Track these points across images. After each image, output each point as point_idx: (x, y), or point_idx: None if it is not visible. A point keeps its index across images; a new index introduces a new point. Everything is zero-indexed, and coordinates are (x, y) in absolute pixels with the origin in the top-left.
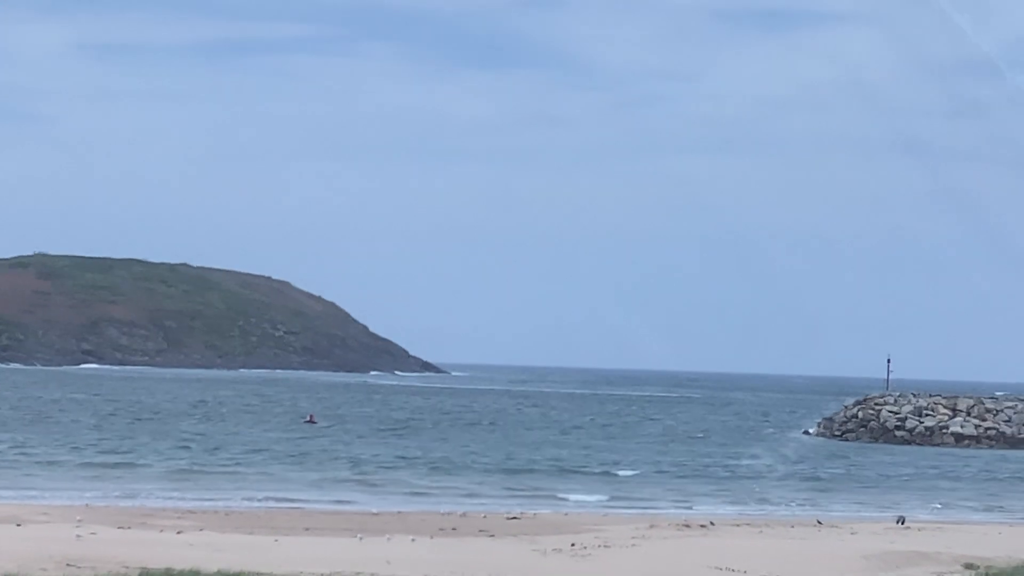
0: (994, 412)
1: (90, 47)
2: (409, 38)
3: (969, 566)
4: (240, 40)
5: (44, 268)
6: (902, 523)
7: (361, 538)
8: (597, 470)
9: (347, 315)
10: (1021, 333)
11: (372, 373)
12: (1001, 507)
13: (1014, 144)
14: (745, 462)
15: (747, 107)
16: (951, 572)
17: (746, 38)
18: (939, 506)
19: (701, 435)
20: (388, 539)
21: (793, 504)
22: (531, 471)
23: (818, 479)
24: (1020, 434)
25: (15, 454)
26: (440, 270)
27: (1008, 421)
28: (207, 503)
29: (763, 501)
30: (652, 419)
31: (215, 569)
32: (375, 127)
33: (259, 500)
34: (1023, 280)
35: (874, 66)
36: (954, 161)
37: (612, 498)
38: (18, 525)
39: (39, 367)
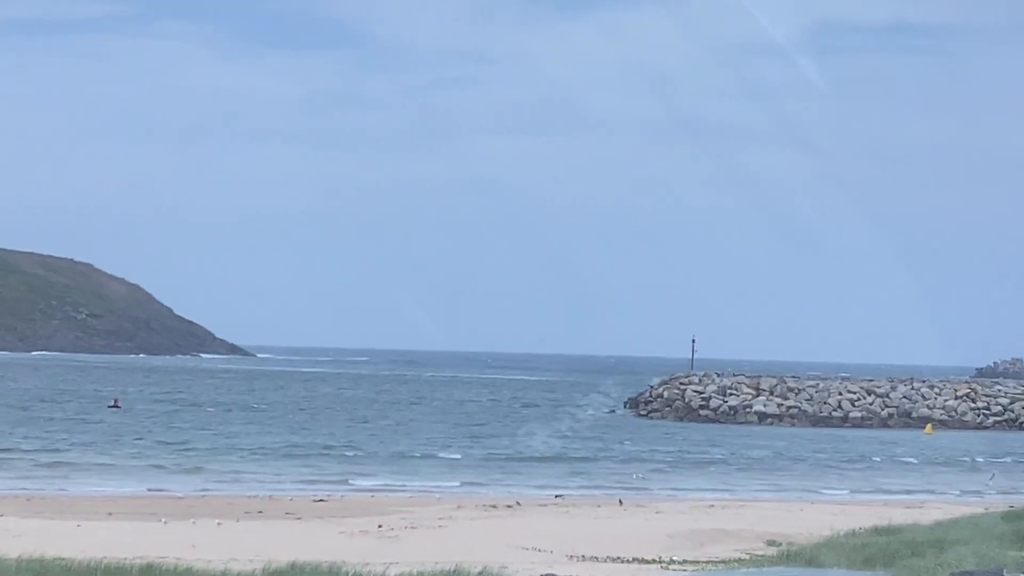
0: (796, 391)
1: None
2: (210, 18)
3: (772, 543)
4: (34, 20)
5: None
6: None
7: (166, 522)
8: (418, 453)
9: (151, 297)
10: (813, 312)
11: (178, 356)
12: (804, 486)
13: (799, 126)
14: (557, 437)
15: (549, 89)
16: (754, 549)
17: (549, 20)
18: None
19: (519, 415)
20: (193, 523)
21: (603, 483)
22: (342, 454)
23: (616, 458)
24: (821, 412)
25: None
26: (247, 252)
27: (810, 400)
28: (8, 489)
29: (580, 476)
30: (473, 400)
31: (16, 555)
32: (179, 108)
33: (61, 485)
34: (808, 260)
35: (667, 49)
36: (741, 142)
37: (463, 484)
38: None
39: None
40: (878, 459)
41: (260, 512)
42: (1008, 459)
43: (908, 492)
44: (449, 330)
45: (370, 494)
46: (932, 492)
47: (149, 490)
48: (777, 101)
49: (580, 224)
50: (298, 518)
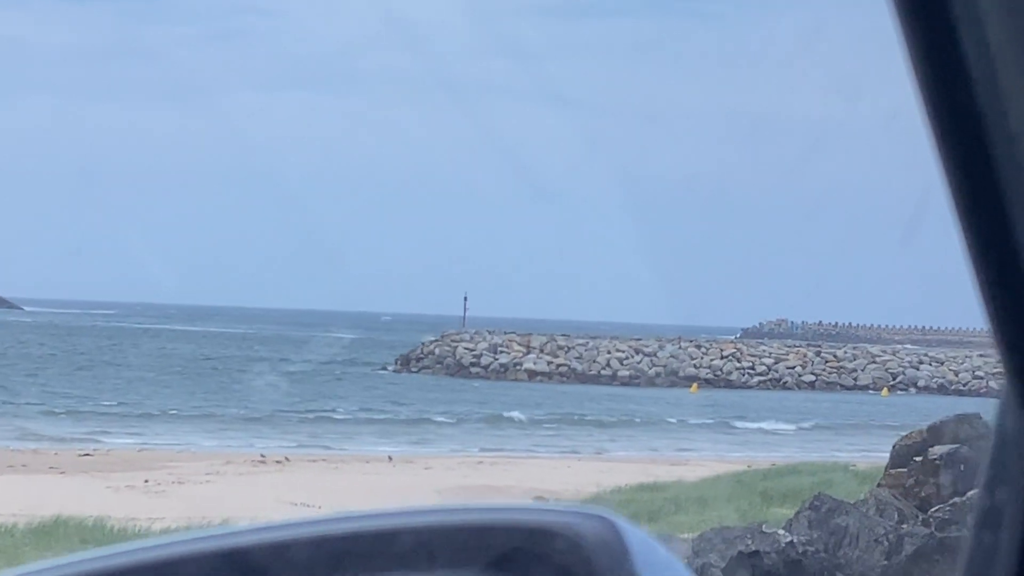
0: (566, 349)
1: None
2: None
3: (539, 498)
4: None
5: None
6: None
7: None
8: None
9: None
10: (583, 271)
11: None
12: (571, 445)
13: (552, 81)
14: (329, 395)
15: (325, 45)
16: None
17: None
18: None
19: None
20: None
21: (370, 437)
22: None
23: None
24: (591, 371)
25: None
26: (14, 203)
27: (579, 358)
28: None
29: (342, 435)
30: (261, 359)
31: None
32: None
33: None
34: (567, 220)
35: (425, 7)
36: (500, 101)
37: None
38: None
39: None
40: (642, 417)
41: (24, 466)
42: (769, 420)
43: (673, 450)
44: (202, 285)
45: (136, 449)
46: (696, 450)
47: None
48: (538, 61)
49: (338, 183)
50: (63, 472)
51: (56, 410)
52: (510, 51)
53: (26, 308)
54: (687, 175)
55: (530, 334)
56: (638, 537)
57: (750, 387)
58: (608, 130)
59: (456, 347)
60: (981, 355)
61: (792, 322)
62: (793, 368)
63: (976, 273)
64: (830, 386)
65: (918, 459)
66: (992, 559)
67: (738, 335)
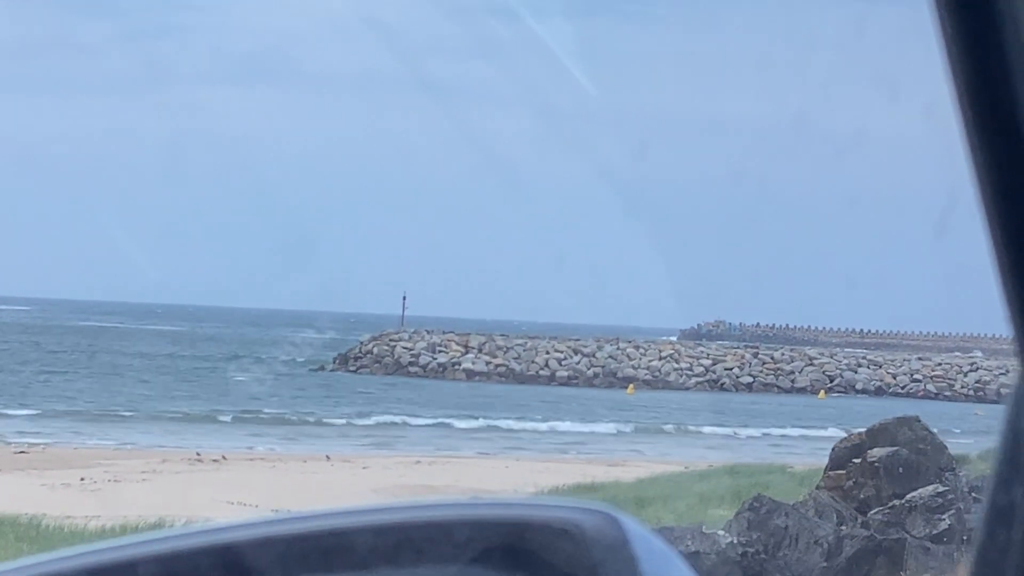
0: (504, 349)
1: None
2: None
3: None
4: None
5: None
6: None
7: None
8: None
9: None
10: (533, 271)
11: None
12: (509, 445)
13: (527, 85)
14: (264, 393)
15: (266, 40)
16: None
17: None
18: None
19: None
20: None
21: (312, 434)
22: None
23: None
24: (529, 371)
25: None
26: None
27: (517, 358)
28: None
29: (277, 436)
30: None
31: None
32: None
33: None
34: (531, 219)
35: (394, 4)
36: (472, 102)
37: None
38: None
39: None
40: (583, 415)
41: None
42: (697, 424)
43: (609, 451)
44: (163, 281)
45: (72, 447)
46: (634, 451)
47: None
48: (507, 60)
49: (300, 177)
50: None
51: None
52: (486, 51)
53: None
54: (636, 178)
55: (469, 334)
56: (638, 532)
57: (688, 388)
58: (579, 130)
59: (395, 346)
60: (920, 358)
61: (730, 323)
62: (731, 370)
63: (1000, 272)
64: (767, 387)
65: (857, 461)
66: (1005, 555)
67: (676, 336)
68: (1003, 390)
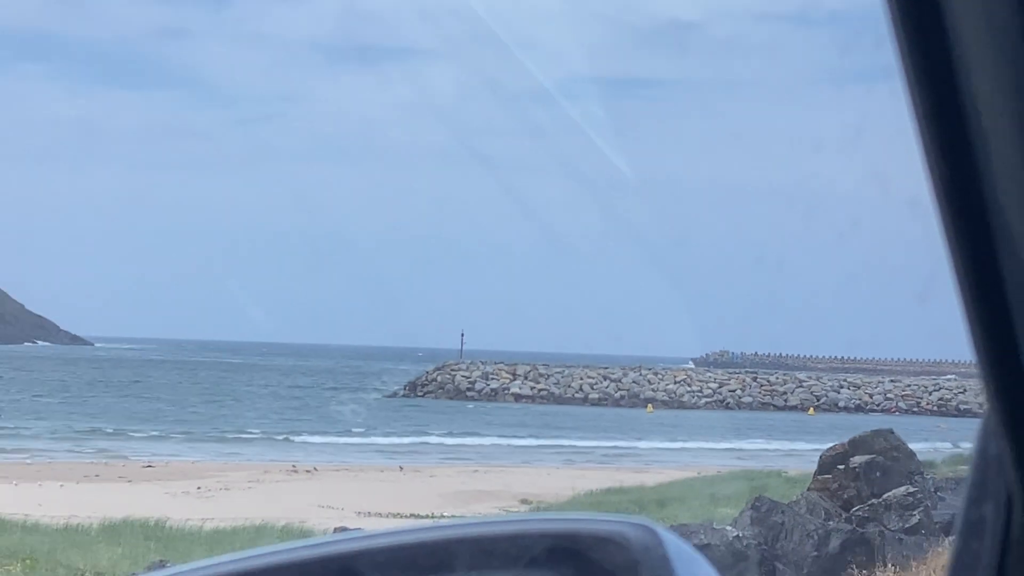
0: (545, 376)
1: None
2: (60, 60)
3: (524, 501)
4: None
5: None
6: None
7: (15, 483)
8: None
9: (5, 294)
10: (572, 312)
11: (25, 344)
12: (552, 456)
13: (566, 160)
14: (350, 415)
15: (349, 124)
16: (509, 506)
17: (345, 70)
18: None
19: (324, 396)
20: (40, 485)
21: (386, 448)
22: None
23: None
24: (566, 394)
25: None
26: (91, 257)
27: (557, 384)
28: None
29: (359, 449)
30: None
31: None
32: (35, 135)
33: None
34: (567, 266)
35: (453, 92)
36: (519, 172)
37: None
38: None
39: None
40: (611, 431)
41: (97, 476)
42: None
43: (634, 459)
44: (282, 323)
45: (191, 461)
46: (661, 457)
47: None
48: (548, 139)
49: (378, 235)
50: (129, 481)
51: (107, 428)
52: (528, 130)
53: (96, 344)
54: (674, 238)
55: (516, 363)
56: (676, 543)
57: (698, 408)
58: (605, 195)
59: (455, 375)
60: (892, 380)
61: (733, 353)
62: (734, 391)
63: (963, 305)
64: (764, 406)
65: (841, 467)
66: (977, 561)
67: (689, 363)
68: (961, 406)
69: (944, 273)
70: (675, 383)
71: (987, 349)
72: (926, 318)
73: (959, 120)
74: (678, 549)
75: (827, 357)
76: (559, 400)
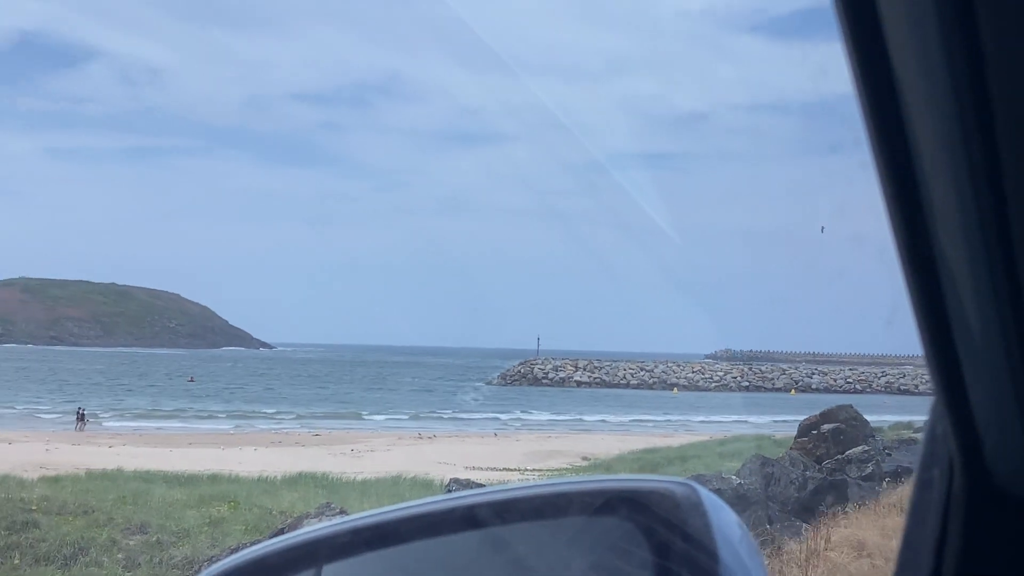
0: (599, 368)
1: None
2: (252, 147)
3: (585, 458)
4: (141, 148)
5: (25, 286)
6: (419, 435)
7: (223, 448)
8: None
9: (214, 313)
10: (618, 321)
11: (224, 348)
12: (600, 424)
13: (615, 213)
14: (459, 398)
15: (461, 189)
16: (575, 462)
17: (454, 150)
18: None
19: (445, 387)
20: (240, 449)
21: (485, 421)
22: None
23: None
24: (614, 380)
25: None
26: (275, 285)
27: (607, 373)
28: (127, 429)
29: (466, 422)
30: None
31: (132, 468)
32: (232, 202)
33: (159, 425)
34: (615, 288)
35: (532, 164)
36: (581, 223)
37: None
38: (9, 443)
39: (28, 345)
40: (646, 407)
41: (280, 442)
42: (718, 414)
43: (662, 428)
44: (424, 330)
45: (345, 430)
46: (682, 426)
47: (218, 429)
48: (602, 196)
49: (483, 267)
50: (303, 446)
51: (295, 411)
52: (587, 191)
53: (276, 347)
54: (692, 266)
55: (577, 359)
56: (711, 498)
57: (709, 390)
58: (646, 241)
59: (533, 368)
60: (851, 369)
61: (733, 350)
62: (736, 378)
63: (911, 297)
64: (757, 388)
65: (815, 432)
66: (927, 512)
67: (703, 358)
68: (901, 387)
69: (904, 304)
70: (693, 372)
71: (933, 348)
72: (877, 323)
73: (907, 163)
74: (712, 503)
75: (802, 352)
76: (608, 385)
